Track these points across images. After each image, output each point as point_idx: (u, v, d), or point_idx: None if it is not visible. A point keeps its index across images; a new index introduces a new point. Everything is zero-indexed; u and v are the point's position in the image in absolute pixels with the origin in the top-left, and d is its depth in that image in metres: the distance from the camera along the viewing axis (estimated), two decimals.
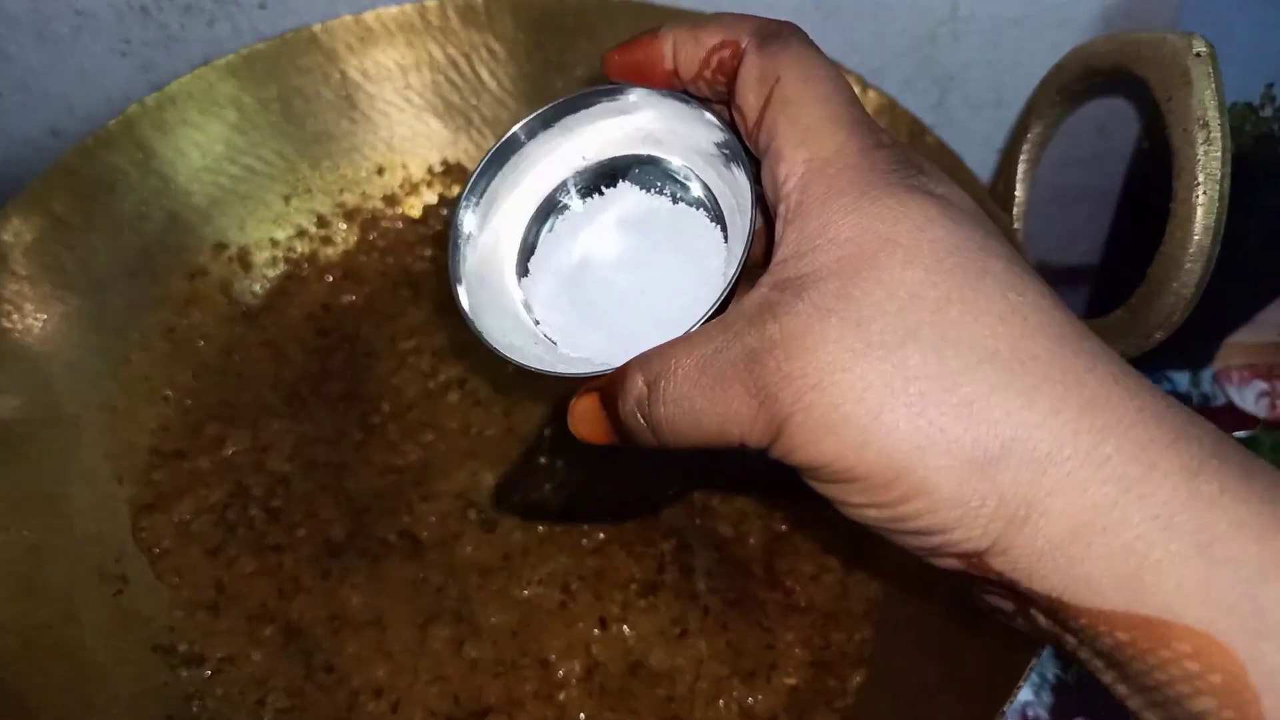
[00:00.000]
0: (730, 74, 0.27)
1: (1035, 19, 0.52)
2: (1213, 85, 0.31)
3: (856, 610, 0.41)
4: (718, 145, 0.28)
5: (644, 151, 0.30)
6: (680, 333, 0.25)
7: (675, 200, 0.30)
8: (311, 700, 0.39)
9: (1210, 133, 0.31)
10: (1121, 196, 0.53)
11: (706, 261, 0.28)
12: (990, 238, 0.23)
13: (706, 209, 0.29)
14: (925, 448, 0.21)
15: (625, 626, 0.40)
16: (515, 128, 0.30)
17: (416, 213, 0.51)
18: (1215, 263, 0.32)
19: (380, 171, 0.50)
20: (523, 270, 0.30)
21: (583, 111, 0.30)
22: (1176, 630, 0.20)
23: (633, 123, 0.30)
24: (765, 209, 0.26)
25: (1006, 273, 0.22)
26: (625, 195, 0.30)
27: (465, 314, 0.28)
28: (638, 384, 0.25)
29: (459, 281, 0.29)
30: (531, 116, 0.30)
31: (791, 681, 0.40)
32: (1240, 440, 0.47)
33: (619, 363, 0.26)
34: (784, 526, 0.43)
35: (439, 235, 0.51)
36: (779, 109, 0.25)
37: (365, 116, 0.50)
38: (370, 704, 0.39)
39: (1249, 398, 0.54)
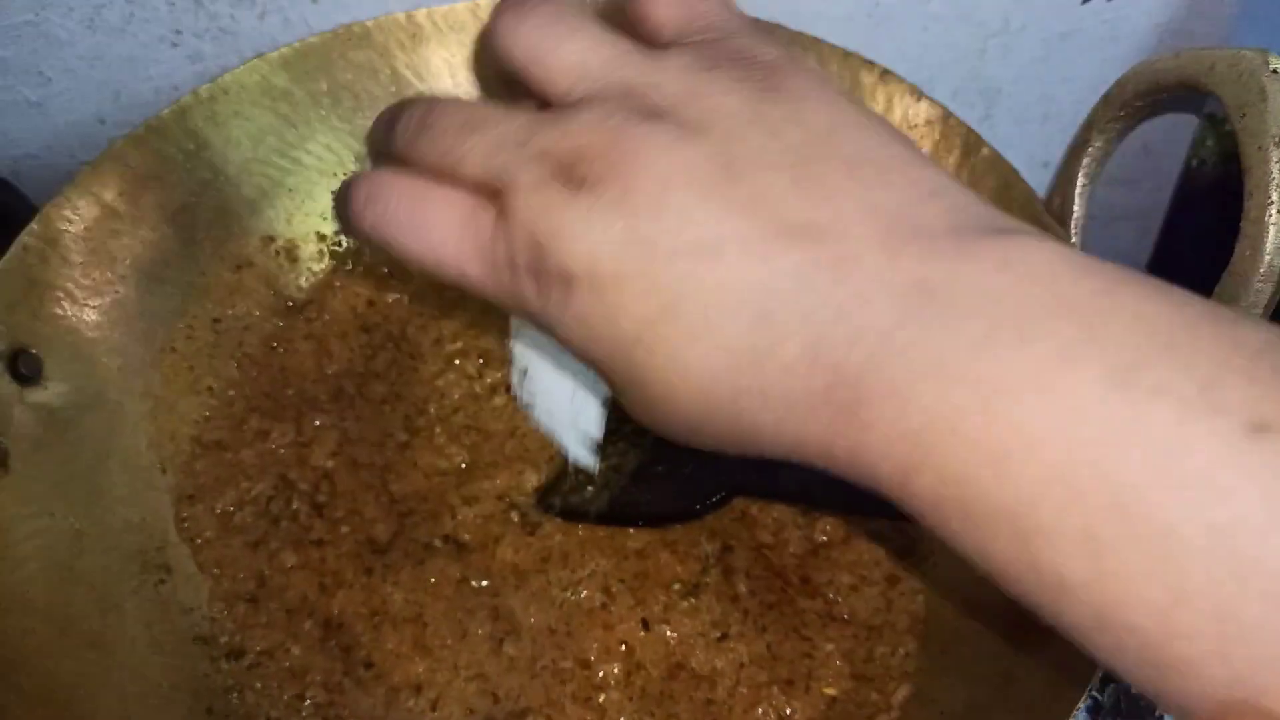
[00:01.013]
0: None
1: (1087, 33, 0.52)
2: None
3: (900, 624, 0.40)
4: None
5: None
6: None
7: None
8: (350, 696, 0.39)
9: None
10: (1168, 216, 0.52)
11: None
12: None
13: None
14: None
15: (667, 628, 0.40)
16: None
17: None
18: None
19: None
20: None
21: None
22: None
23: None
24: None
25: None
26: None
27: None
28: None
29: None
30: None
31: (831, 692, 0.40)
32: None
33: None
34: (824, 537, 0.43)
35: None
36: None
37: None
38: (410, 700, 0.38)
39: None
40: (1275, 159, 0.30)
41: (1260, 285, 0.31)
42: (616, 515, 0.43)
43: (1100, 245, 0.57)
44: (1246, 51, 0.32)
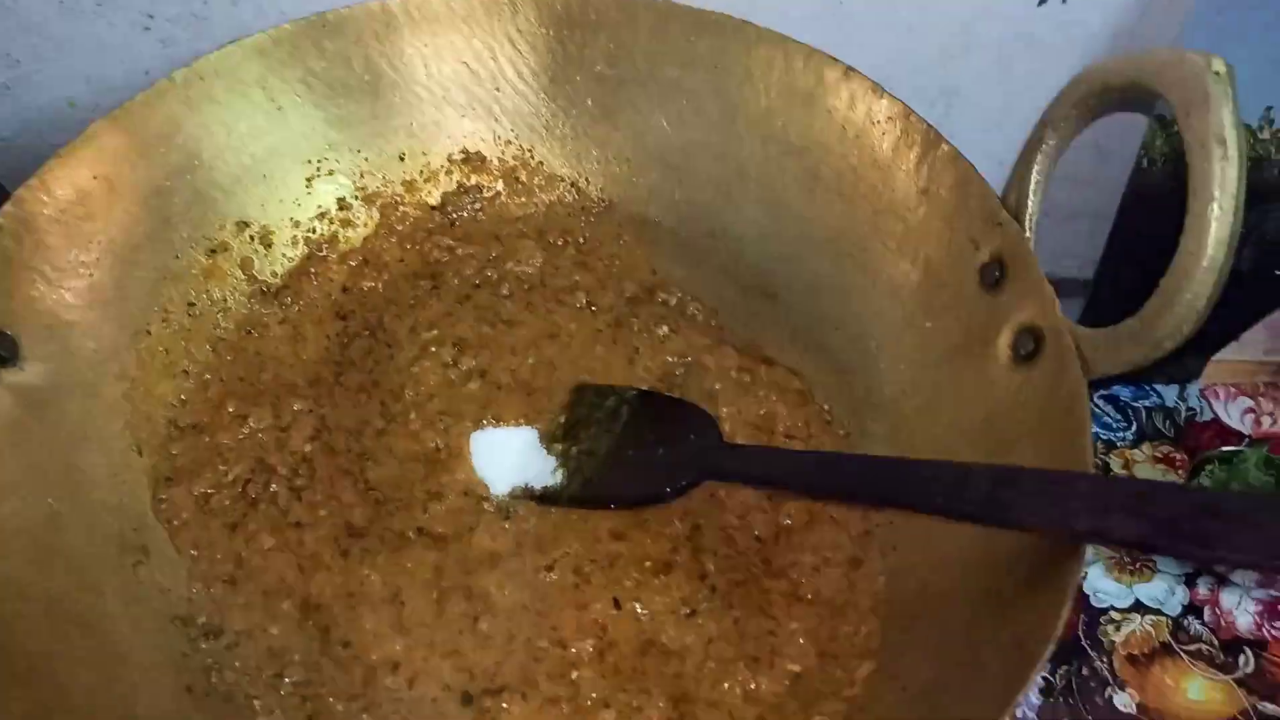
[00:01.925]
0: None
1: (1043, 35, 0.54)
2: (1230, 104, 0.33)
3: (863, 604, 0.42)
4: None
5: None
6: None
7: None
8: (329, 674, 0.39)
9: (1227, 149, 0.32)
10: (1120, 213, 0.54)
11: None
12: None
13: None
14: None
15: (638, 605, 0.41)
16: None
17: (435, 200, 0.52)
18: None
19: (401, 158, 0.51)
20: None
21: None
22: None
23: None
24: None
25: None
26: None
27: None
28: None
29: None
30: None
31: (795, 669, 0.41)
32: (1225, 456, 0.49)
33: None
34: (788, 520, 0.44)
35: (457, 223, 0.51)
36: None
37: (388, 103, 0.50)
38: (387, 678, 0.39)
39: (1235, 414, 0.56)
40: (1217, 157, 0.32)
41: (1203, 277, 0.33)
42: (588, 499, 0.44)
43: (1054, 242, 0.59)
44: (1191, 54, 0.33)
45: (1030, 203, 0.43)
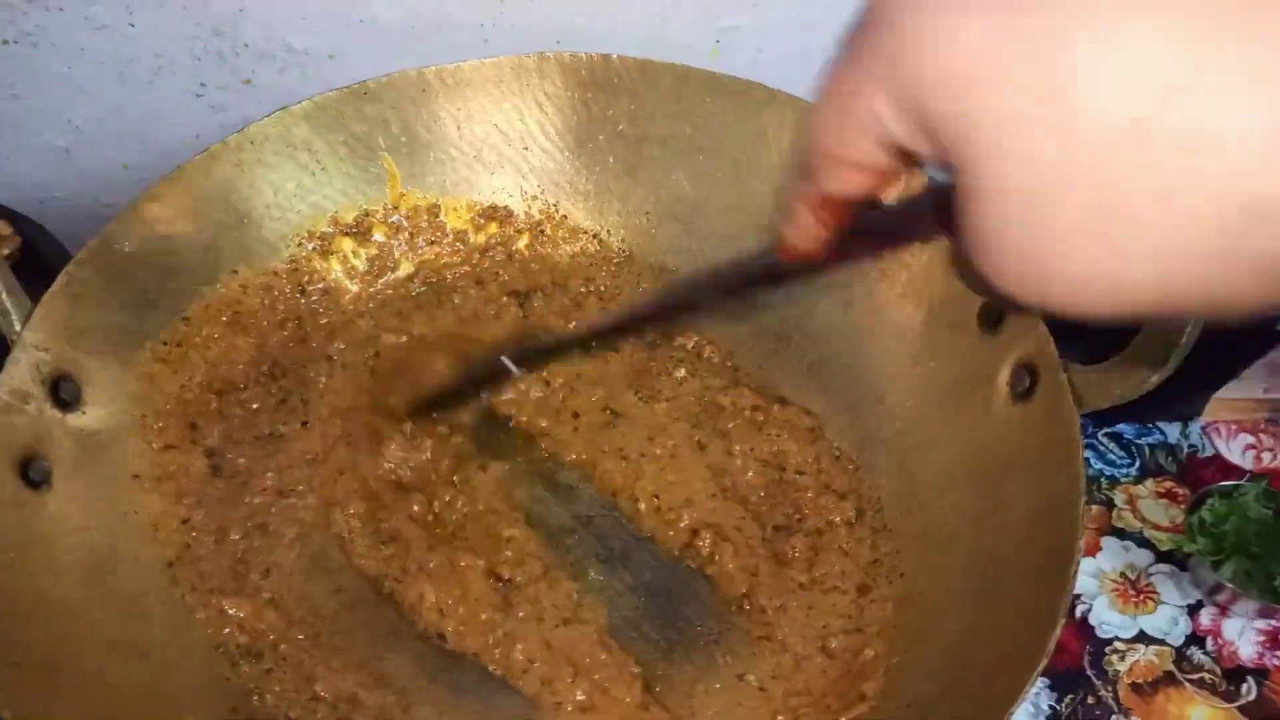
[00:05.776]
0: None
1: None
2: None
3: (871, 629, 0.44)
4: None
5: None
6: None
7: None
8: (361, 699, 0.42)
9: None
10: None
11: None
12: None
13: None
14: None
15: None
16: None
17: (464, 252, 0.55)
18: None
19: (435, 213, 0.54)
20: None
21: None
22: None
23: None
24: None
25: None
26: None
27: None
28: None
29: None
30: None
31: (808, 692, 0.43)
32: (1226, 490, 0.51)
33: None
34: (795, 554, 0.46)
35: (486, 274, 0.54)
36: None
37: (422, 162, 0.54)
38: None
39: (1235, 450, 0.58)
40: None
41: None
42: None
43: None
44: None
45: None
